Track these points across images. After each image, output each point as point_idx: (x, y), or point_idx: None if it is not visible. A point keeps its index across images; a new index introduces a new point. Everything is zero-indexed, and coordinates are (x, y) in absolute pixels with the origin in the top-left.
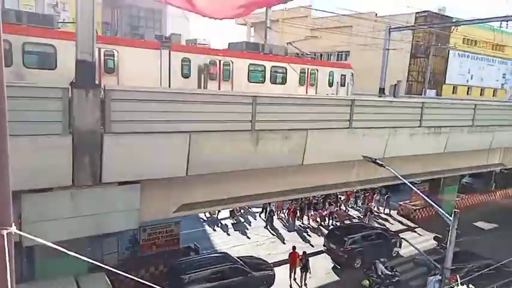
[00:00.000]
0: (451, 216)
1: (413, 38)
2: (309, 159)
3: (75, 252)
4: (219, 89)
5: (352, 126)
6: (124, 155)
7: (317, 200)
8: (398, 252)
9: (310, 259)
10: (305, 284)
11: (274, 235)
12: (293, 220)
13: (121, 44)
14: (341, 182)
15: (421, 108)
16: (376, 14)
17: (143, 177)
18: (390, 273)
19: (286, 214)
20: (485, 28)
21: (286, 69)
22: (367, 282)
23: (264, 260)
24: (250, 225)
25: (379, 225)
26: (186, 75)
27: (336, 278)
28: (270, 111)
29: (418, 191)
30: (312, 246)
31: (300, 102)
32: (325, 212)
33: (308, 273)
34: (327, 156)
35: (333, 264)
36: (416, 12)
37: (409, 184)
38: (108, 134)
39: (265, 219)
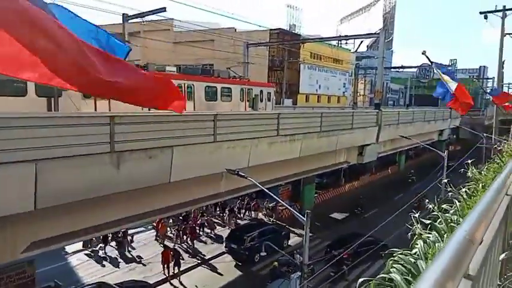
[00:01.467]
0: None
1: (269, 53)
2: (176, 176)
3: None
4: (185, 108)
5: (216, 140)
6: None
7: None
8: (287, 243)
9: (211, 262)
10: (179, 279)
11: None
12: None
13: None
14: (210, 194)
15: (277, 119)
16: (236, 30)
17: None
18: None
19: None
20: (325, 45)
21: (231, 89)
22: (276, 263)
23: (145, 282)
24: (125, 251)
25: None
26: None
27: (239, 273)
28: (132, 131)
29: (274, 195)
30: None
31: (164, 120)
32: (198, 223)
33: (179, 268)
34: (194, 171)
35: (234, 262)
36: (270, 29)
37: (265, 190)
38: None
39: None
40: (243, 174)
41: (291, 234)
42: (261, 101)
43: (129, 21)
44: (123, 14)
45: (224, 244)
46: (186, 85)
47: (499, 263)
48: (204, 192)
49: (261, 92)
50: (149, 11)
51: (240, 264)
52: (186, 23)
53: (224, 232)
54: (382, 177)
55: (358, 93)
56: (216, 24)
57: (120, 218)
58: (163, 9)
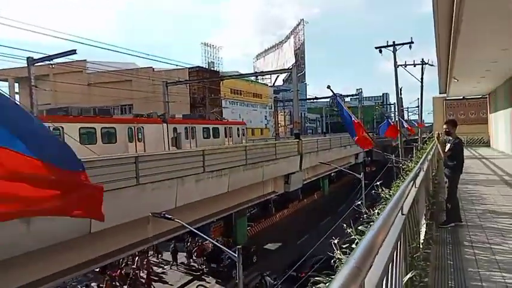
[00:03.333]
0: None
1: (190, 91)
2: (97, 226)
3: None
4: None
5: (140, 183)
6: None
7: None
8: (256, 259)
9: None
10: None
11: None
12: None
13: None
14: (137, 240)
15: (203, 155)
16: (153, 69)
17: None
18: (274, 282)
19: None
20: (244, 81)
21: (219, 129)
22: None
23: None
24: None
25: None
26: None
27: None
28: None
29: (203, 235)
30: None
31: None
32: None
33: None
34: (117, 217)
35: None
36: (189, 68)
37: (194, 230)
38: None
39: None
40: (169, 216)
41: None
42: (238, 136)
43: (36, 64)
44: (28, 57)
45: (204, 267)
46: (190, 127)
47: (403, 284)
48: (130, 239)
49: (238, 129)
50: (57, 54)
51: (220, 281)
52: (99, 64)
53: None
54: (309, 203)
55: (279, 124)
56: (132, 64)
57: (43, 277)
58: (74, 52)
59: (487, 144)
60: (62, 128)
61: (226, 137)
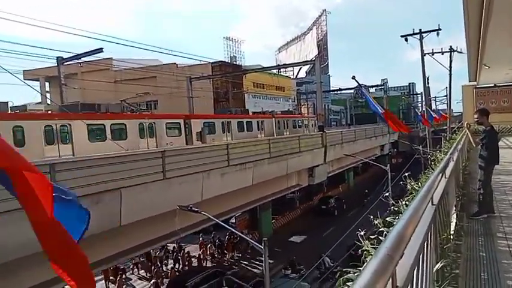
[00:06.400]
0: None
1: (213, 85)
2: (127, 219)
3: None
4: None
5: (166, 177)
6: None
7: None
8: None
9: None
10: None
11: None
12: None
13: None
14: (165, 233)
15: (227, 149)
16: (177, 65)
17: None
18: (333, 264)
19: None
20: (266, 74)
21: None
22: None
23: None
24: None
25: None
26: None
27: None
28: (74, 177)
29: (229, 227)
30: None
31: (112, 161)
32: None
33: None
34: (146, 211)
35: None
36: (212, 63)
37: (220, 222)
38: None
39: None
40: (196, 209)
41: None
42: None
43: (65, 63)
44: (57, 57)
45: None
46: (198, 122)
47: (433, 273)
48: (159, 232)
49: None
50: (85, 53)
51: None
52: (124, 61)
53: None
54: (334, 196)
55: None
56: (156, 60)
57: None
58: (101, 50)
59: None
60: (264, 121)
61: (228, 132)
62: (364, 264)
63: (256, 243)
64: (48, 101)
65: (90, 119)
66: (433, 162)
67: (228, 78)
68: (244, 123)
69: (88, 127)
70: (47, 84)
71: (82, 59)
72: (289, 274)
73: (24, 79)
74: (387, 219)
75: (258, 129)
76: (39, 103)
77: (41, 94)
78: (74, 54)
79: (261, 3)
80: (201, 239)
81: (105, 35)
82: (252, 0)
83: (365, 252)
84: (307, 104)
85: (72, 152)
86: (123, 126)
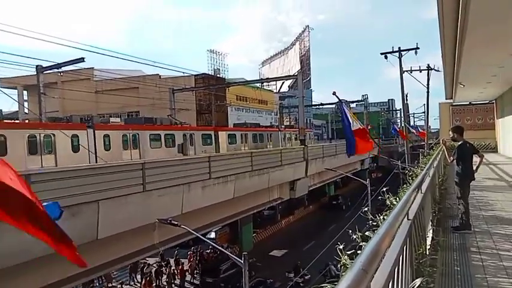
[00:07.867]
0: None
1: (196, 97)
2: (104, 232)
3: None
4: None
5: (146, 189)
6: None
7: None
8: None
9: None
10: None
11: None
12: None
13: None
14: (143, 247)
15: (209, 161)
16: (160, 76)
17: None
18: (339, 273)
19: None
20: (249, 87)
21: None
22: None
23: None
24: None
25: None
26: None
27: None
28: (50, 188)
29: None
30: None
31: (91, 173)
32: None
33: None
34: (124, 224)
35: None
36: (195, 75)
37: (200, 236)
38: None
39: None
40: (175, 222)
41: None
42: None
43: (45, 72)
44: (37, 65)
45: (199, 280)
46: (201, 134)
47: None
48: (136, 246)
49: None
50: (66, 62)
51: None
52: (106, 71)
53: None
54: (315, 210)
55: None
56: (139, 71)
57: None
58: (82, 60)
59: (494, 150)
60: (266, 134)
61: (211, 144)
62: (339, 280)
63: (236, 258)
64: (26, 110)
65: (150, 130)
66: (410, 177)
67: (211, 90)
68: (257, 135)
69: (150, 136)
70: (25, 92)
71: (63, 68)
72: (292, 278)
73: (1, 87)
74: (366, 233)
75: (268, 140)
76: (17, 112)
77: (18, 103)
78: (54, 63)
79: (247, 19)
80: (176, 251)
81: (88, 44)
82: (238, 15)
83: (342, 266)
84: (290, 118)
85: (95, 159)
86: (173, 137)
